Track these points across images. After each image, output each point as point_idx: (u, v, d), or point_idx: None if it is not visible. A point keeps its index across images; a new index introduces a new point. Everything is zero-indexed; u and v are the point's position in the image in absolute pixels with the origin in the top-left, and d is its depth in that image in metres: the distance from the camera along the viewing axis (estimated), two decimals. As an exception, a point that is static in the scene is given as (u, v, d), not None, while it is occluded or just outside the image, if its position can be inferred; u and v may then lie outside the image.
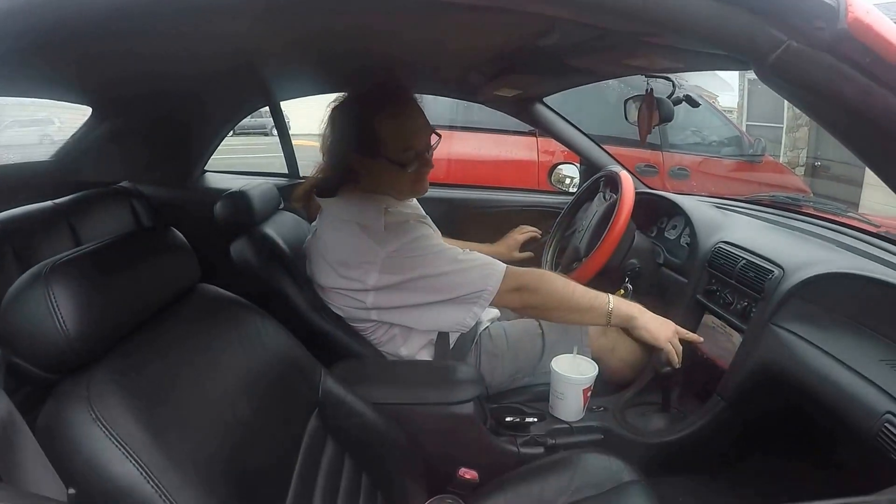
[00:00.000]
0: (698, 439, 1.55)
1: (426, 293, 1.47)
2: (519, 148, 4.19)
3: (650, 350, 1.84)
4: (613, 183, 1.98)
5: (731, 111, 10.26)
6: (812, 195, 5.19)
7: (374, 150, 1.51)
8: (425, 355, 1.60)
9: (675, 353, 1.52)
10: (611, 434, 1.59)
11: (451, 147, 4.07)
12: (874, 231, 1.64)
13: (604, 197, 1.99)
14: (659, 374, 1.57)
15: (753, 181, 5.13)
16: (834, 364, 1.24)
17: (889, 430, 1.06)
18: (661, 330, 1.54)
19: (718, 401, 1.54)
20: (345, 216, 1.52)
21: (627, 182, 1.86)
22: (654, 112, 1.62)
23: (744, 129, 5.97)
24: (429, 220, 1.69)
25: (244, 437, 0.94)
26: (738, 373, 1.50)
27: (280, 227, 1.78)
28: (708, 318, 1.71)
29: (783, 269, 1.46)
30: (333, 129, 1.58)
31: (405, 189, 1.60)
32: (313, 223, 1.67)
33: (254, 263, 1.62)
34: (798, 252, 1.53)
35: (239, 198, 1.73)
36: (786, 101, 0.80)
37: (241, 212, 1.72)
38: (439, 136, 1.62)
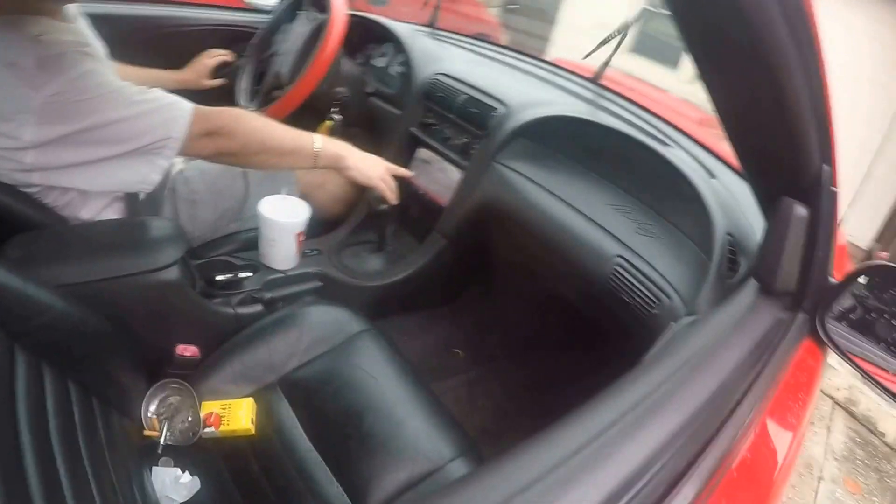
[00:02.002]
0: (420, 278, 1.55)
1: (99, 147, 1.15)
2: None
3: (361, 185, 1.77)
4: (321, 1, 1.76)
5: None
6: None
7: None
8: (112, 214, 1.30)
9: (389, 191, 1.44)
10: (329, 280, 1.52)
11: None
12: (591, 77, 1.69)
13: (308, 17, 1.76)
14: (375, 212, 1.50)
15: (452, 16, 5.12)
16: (562, 206, 1.30)
17: (619, 272, 1.15)
18: (373, 168, 1.43)
19: (439, 238, 1.54)
20: None
21: (337, 0, 1.65)
22: None
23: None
24: (97, 47, 1.31)
25: None
26: (460, 209, 1.50)
27: None
28: (422, 152, 1.66)
29: (508, 108, 1.44)
30: None
31: None
32: None
33: None
34: (522, 91, 1.52)
35: None
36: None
37: None
38: None
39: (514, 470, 0.53)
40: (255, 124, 1.30)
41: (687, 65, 7.93)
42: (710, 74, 0.66)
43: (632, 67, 7.77)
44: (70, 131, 1.11)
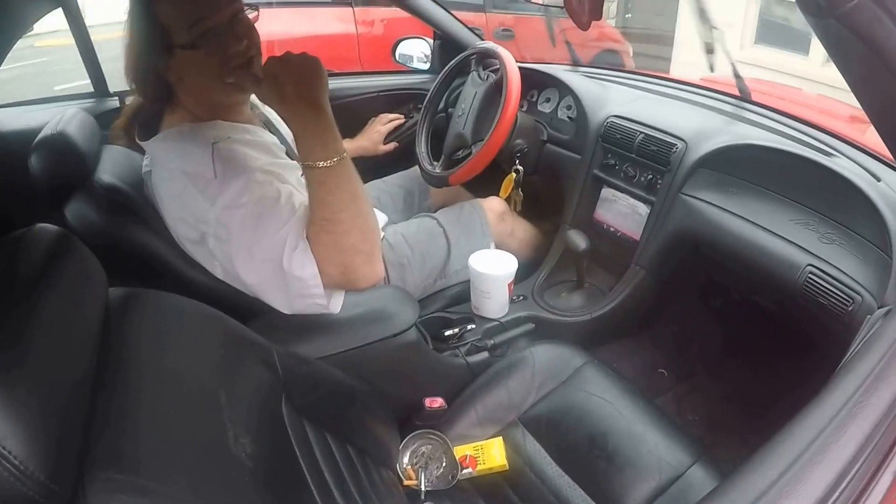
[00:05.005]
0: (624, 308, 1.64)
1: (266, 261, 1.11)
2: (334, 20, 3.86)
3: (544, 226, 1.90)
4: (486, 60, 1.89)
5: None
6: (632, 51, 5.42)
7: (167, 45, 1.14)
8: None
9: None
10: (540, 321, 1.63)
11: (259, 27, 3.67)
12: (738, 94, 1.76)
13: (479, 76, 1.87)
14: (576, 253, 1.59)
15: (578, 39, 5.19)
16: (751, 227, 1.37)
17: (813, 279, 1.22)
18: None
19: (638, 270, 1.63)
20: (170, 162, 1.17)
21: (510, 59, 1.76)
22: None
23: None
24: (269, 144, 1.30)
25: (245, 469, 0.73)
26: (654, 241, 1.58)
27: (118, 170, 1.28)
28: (607, 192, 1.75)
29: (685, 143, 1.52)
30: (129, 37, 1.19)
31: (217, 89, 1.18)
32: (145, 161, 1.29)
33: (103, 226, 1.22)
34: (691, 124, 1.60)
35: (61, 143, 1.24)
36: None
37: (70, 161, 1.25)
38: (256, 8, 1.27)
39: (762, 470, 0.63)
40: (344, 186, 1.09)
41: (817, 47, 7.55)
42: (859, 90, 0.75)
43: (761, 58, 7.49)
44: (239, 248, 1.12)
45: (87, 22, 1.83)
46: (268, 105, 1.26)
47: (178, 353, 0.79)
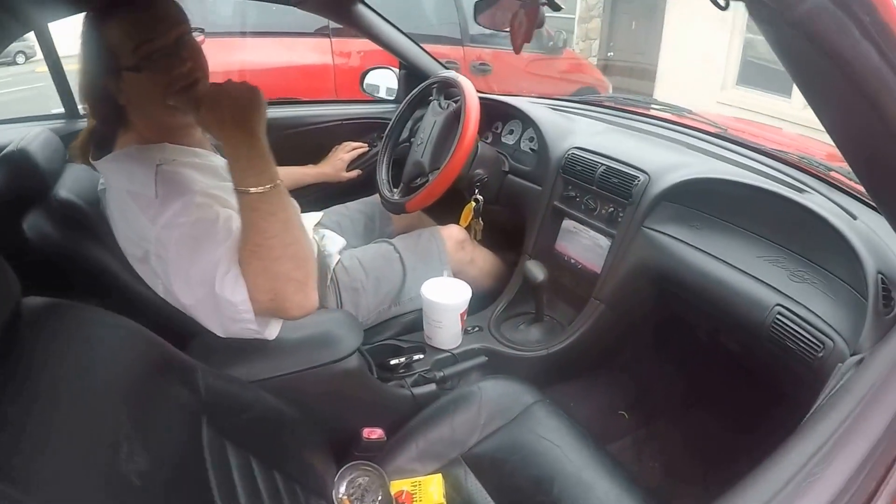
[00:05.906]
0: (583, 344, 1.59)
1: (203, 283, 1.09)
2: (311, 51, 3.88)
3: (506, 255, 1.87)
4: (448, 89, 1.88)
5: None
6: (611, 89, 5.46)
7: (114, 67, 1.14)
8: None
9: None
10: (494, 354, 1.59)
11: (233, 56, 3.65)
12: (716, 132, 1.73)
13: (439, 105, 1.87)
14: (533, 284, 1.56)
15: (556, 75, 5.24)
16: (716, 262, 1.33)
17: (781, 320, 1.17)
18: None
19: (597, 304, 1.58)
20: (116, 182, 1.19)
21: (469, 88, 1.74)
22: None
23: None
24: (218, 167, 1.29)
25: (133, 488, 0.68)
26: (615, 275, 1.54)
27: (77, 187, 1.32)
28: (568, 224, 1.72)
29: (648, 175, 1.49)
30: (81, 60, 1.20)
31: (163, 111, 1.17)
32: (101, 179, 1.31)
33: (58, 240, 1.25)
34: (657, 156, 1.57)
35: (21, 159, 1.30)
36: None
37: (30, 176, 1.29)
38: (202, 31, 1.24)
39: None
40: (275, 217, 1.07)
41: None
42: (821, 110, 0.70)
43: (743, 100, 7.55)
44: (176, 268, 1.11)
45: (63, 52, 1.83)
46: (206, 130, 1.25)
47: (83, 366, 0.75)
